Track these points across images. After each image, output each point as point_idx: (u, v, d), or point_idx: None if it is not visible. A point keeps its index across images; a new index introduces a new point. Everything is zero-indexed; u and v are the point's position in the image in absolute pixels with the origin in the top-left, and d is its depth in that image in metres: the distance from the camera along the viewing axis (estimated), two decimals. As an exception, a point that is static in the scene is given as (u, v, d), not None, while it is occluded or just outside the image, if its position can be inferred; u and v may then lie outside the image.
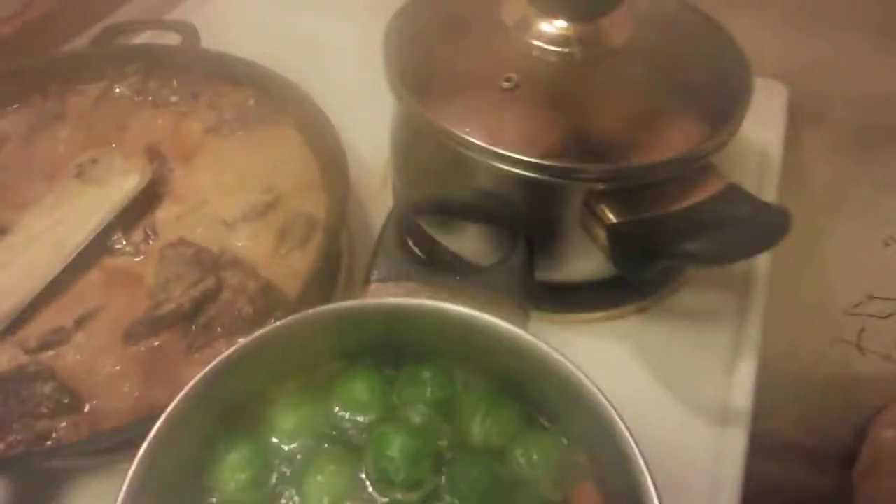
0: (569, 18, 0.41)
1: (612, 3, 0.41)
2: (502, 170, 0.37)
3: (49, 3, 0.60)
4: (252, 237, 0.44)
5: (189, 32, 0.57)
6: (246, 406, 0.31)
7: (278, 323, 0.30)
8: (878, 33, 0.58)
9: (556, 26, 0.41)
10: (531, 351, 0.30)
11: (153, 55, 0.55)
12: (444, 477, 0.30)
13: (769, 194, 0.56)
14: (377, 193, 0.52)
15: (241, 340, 0.30)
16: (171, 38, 0.58)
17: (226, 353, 0.30)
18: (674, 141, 0.39)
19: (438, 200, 0.36)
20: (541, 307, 0.44)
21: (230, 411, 0.30)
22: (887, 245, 0.71)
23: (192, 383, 0.27)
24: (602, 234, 0.36)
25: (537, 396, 0.30)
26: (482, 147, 0.37)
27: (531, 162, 0.36)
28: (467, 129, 0.37)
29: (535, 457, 0.30)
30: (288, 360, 0.33)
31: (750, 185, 0.55)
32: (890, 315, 0.77)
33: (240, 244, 0.43)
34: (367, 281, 0.34)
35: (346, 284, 0.45)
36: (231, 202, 0.45)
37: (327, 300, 0.42)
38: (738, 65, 0.44)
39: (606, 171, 0.37)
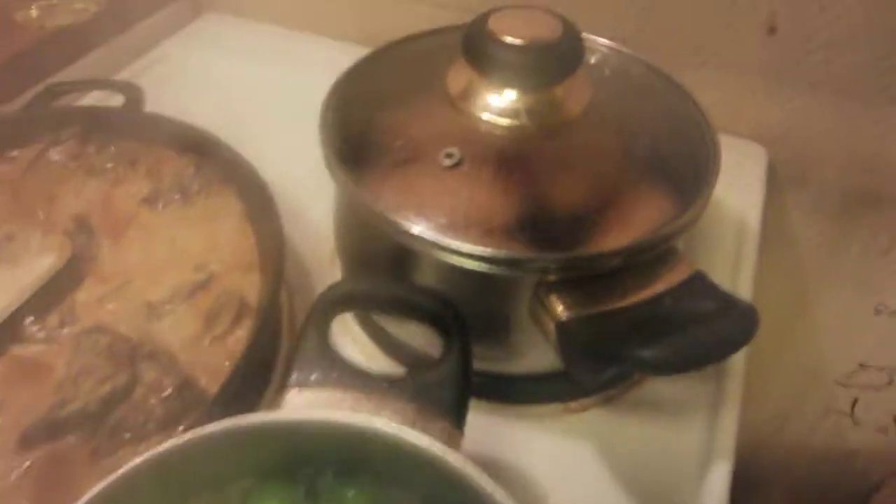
0: (519, 88, 0.38)
1: (567, 70, 0.38)
2: (441, 259, 0.33)
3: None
4: (177, 322, 0.40)
5: (133, 93, 0.54)
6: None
7: (181, 439, 0.27)
8: (858, 95, 0.56)
9: (505, 97, 0.38)
10: (460, 476, 0.26)
11: (92, 118, 0.52)
12: None
13: (748, 260, 0.53)
14: (325, 274, 0.49)
15: (135, 460, 0.26)
16: (115, 100, 0.55)
17: (117, 473, 0.26)
18: (635, 221, 0.36)
19: (367, 294, 0.33)
20: (490, 398, 0.40)
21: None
22: (878, 313, 0.68)
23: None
24: (551, 329, 0.33)
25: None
26: (416, 235, 0.33)
27: (472, 253, 0.33)
28: (402, 213, 0.34)
29: None
30: (193, 476, 0.29)
31: (728, 251, 0.53)
32: (883, 386, 0.73)
33: (163, 330, 0.39)
34: (284, 386, 0.30)
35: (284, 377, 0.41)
36: (158, 282, 0.42)
37: (256, 397, 0.39)
38: (705, 134, 0.41)
39: (557, 260, 0.33)
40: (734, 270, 0.52)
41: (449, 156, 0.36)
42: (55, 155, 0.51)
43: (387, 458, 0.28)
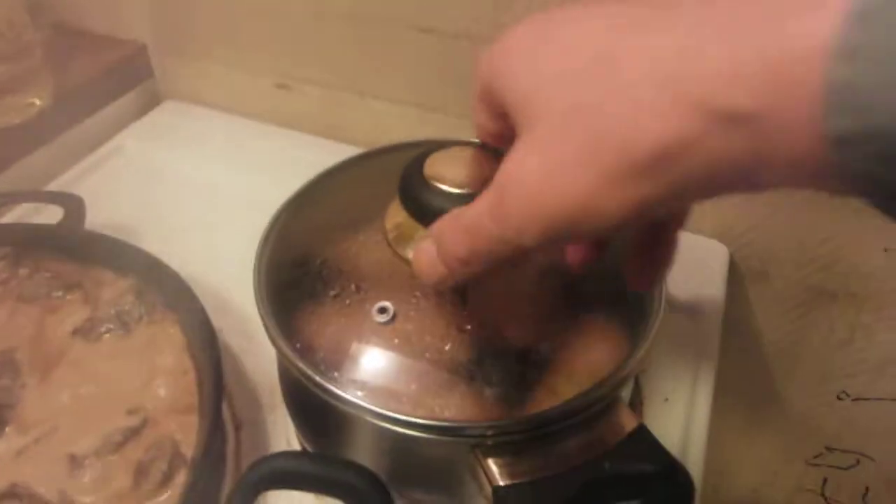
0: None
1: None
2: (371, 423, 0.32)
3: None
4: (102, 476, 0.38)
5: (74, 206, 0.52)
6: None
7: None
8: (813, 198, 0.55)
9: None
10: None
11: (26, 237, 0.50)
12: None
13: (711, 354, 0.53)
14: (276, 406, 0.47)
15: None
16: (53, 212, 0.52)
17: None
18: (578, 374, 0.35)
19: (291, 473, 0.31)
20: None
21: None
22: (840, 399, 0.68)
23: None
24: (489, 493, 0.31)
25: None
26: (346, 399, 0.32)
27: (404, 420, 0.31)
28: (332, 374, 0.32)
29: None
30: None
31: (690, 344, 0.52)
32: (850, 467, 0.73)
33: (85, 488, 0.37)
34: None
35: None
36: (87, 429, 0.40)
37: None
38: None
39: (492, 427, 0.31)
40: (696, 363, 0.52)
41: (382, 311, 0.35)
42: (-14, 278, 0.48)
43: None
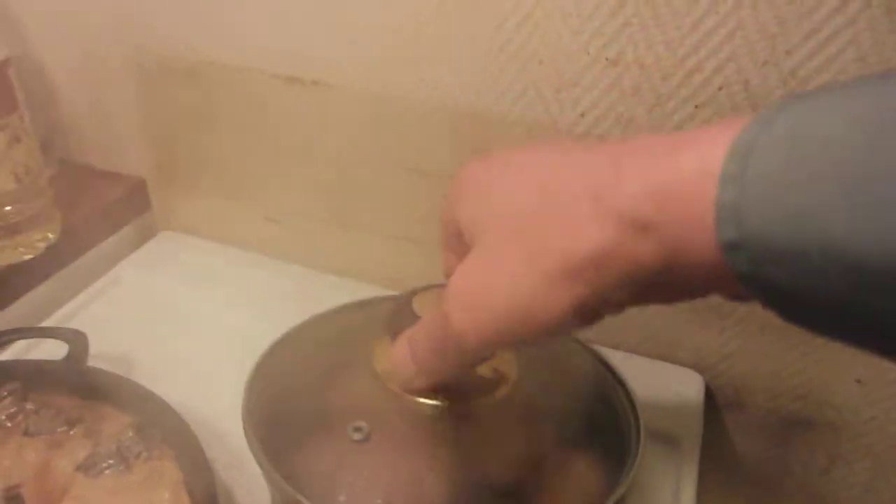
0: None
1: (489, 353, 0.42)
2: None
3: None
4: None
5: (78, 343, 0.57)
6: None
7: None
8: (784, 329, 0.61)
9: None
10: None
11: (33, 373, 0.55)
12: None
13: (690, 480, 0.57)
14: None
15: None
16: (57, 345, 0.58)
17: None
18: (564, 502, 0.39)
19: None
20: None
21: None
22: (826, 529, 0.71)
23: None
24: None
25: None
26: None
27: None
28: (315, 493, 0.37)
29: None
30: None
31: (670, 474, 0.56)
32: None
33: None
34: None
35: None
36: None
37: None
38: (629, 409, 0.45)
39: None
40: (676, 489, 0.56)
41: (358, 430, 0.40)
42: (-7, 414, 0.53)
43: None
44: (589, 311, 0.30)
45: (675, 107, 0.54)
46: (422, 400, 0.42)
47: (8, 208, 0.64)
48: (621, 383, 0.46)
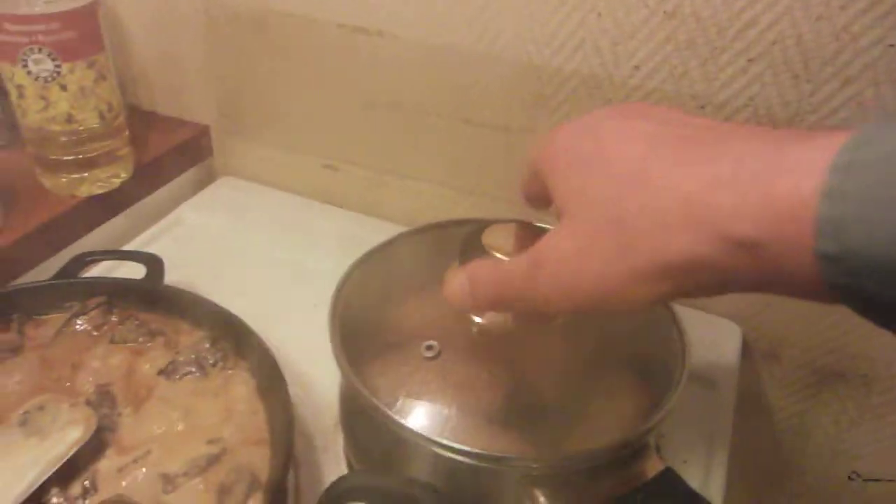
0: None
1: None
2: (431, 450, 0.40)
3: (17, 234, 0.66)
4: (190, 495, 0.45)
5: (155, 265, 0.62)
6: None
7: None
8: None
9: None
10: None
11: (116, 289, 0.59)
12: None
13: (725, 424, 0.60)
14: (329, 448, 0.55)
15: None
16: (133, 269, 0.62)
17: None
18: (608, 420, 0.43)
19: (368, 488, 0.39)
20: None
21: None
22: (852, 479, 0.74)
23: None
24: None
25: None
26: (406, 427, 0.40)
27: (452, 447, 0.39)
28: (394, 404, 0.41)
29: None
30: None
31: (705, 421, 0.60)
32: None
33: (177, 502, 0.45)
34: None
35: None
36: (175, 454, 0.48)
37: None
38: (676, 337, 0.48)
39: (537, 460, 0.40)
40: (712, 431, 0.59)
41: (429, 348, 0.44)
42: (81, 323, 0.58)
43: None
44: (669, 299, 0.32)
45: (728, 60, 0.57)
46: (487, 322, 0.46)
47: (91, 144, 0.69)
48: (673, 317, 0.49)
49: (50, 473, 0.45)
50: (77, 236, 0.71)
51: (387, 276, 0.51)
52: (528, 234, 0.46)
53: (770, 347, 0.70)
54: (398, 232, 0.75)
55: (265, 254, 0.74)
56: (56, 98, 0.64)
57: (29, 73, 0.62)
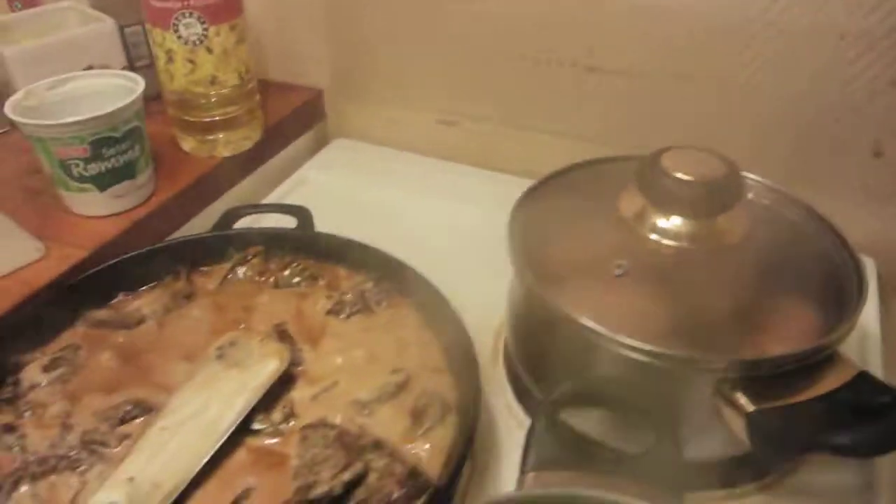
0: (685, 216, 0.47)
1: (728, 203, 0.47)
2: (623, 356, 0.42)
3: (168, 194, 0.69)
4: (387, 418, 0.48)
5: (304, 216, 0.64)
6: None
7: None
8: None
9: (672, 222, 0.47)
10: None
11: (273, 238, 0.62)
12: None
13: (875, 368, 0.59)
14: (488, 370, 0.57)
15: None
16: (279, 221, 0.65)
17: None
18: (787, 332, 0.44)
19: (587, 393, 0.41)
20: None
21: None
22: None
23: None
24: (739, 422, 0.40)
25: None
26: (606, 335, 0.42)
27: (654, 351, 0.41)
28: (585, 314, 0.43)
29: None
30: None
31: (852, 349, 0.60)
32: None
33: (376, 425, 0.48)
34: (522, 472, 0.38)
35: (472, 469, 0.49)
36: (362, 383, 0.50)
37: (464, 487, 0.46)
38: (847, 260, 0.49)
39: (742, 362, 0.41)
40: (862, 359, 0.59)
41: (619, 267, 0.46)
42: (242, 272, 0.61)
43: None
44: None
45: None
46: (667, 242, 0.47)
47: (230, 105, 0.72)
48: (845, 242, 0.50)
49: (256, 401, 0.48)
50: (217, 196, 0.74)
51: (559, 204, 0.53)
52: (707, 158, 0.47)
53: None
54: (515, 184, 0.77)
55: (390, 206, 0.76)
56: (202, 61, 0.67)
57: (179, 37, 0.65)
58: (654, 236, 0.48)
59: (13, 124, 0.62)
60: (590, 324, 0.43)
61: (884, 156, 0.64)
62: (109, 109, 0.60)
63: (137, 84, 0.64)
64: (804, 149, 0.67)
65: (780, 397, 0.40)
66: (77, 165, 0.62)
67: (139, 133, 0.64)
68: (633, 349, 0.42)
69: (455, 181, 0.81)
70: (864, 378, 0.41)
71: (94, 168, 0.62)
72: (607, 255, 0.47)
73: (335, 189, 0.80)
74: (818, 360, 0.42)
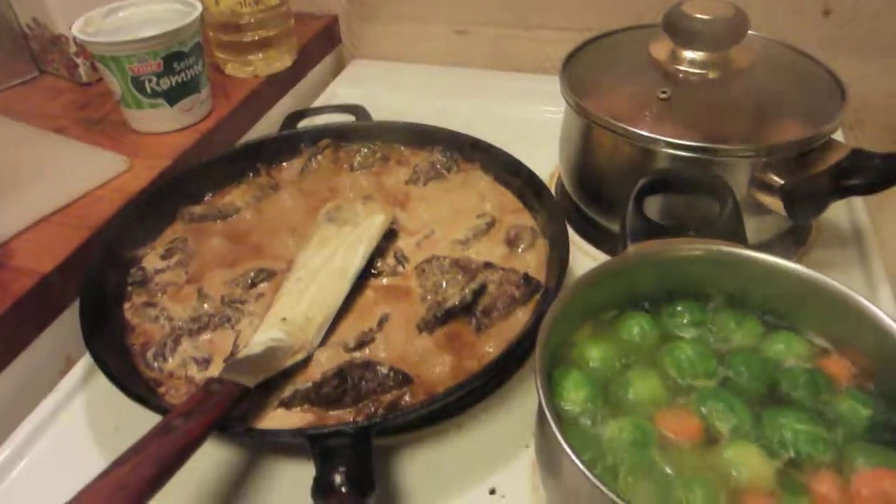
0: (706, 49, 0.57)
1: (738, 36, 0.57)
2: (678, 155, 0.52)
3: (226, 109, 0.75)
4: (486, 249, 0.56)
5: (360, 112, 0.71)
6: (560, 351, 0.42)
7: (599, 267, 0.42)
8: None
9: (696, 56, 0.57)
10: (799, 276, 0.41)
11: (339, 130, 0.69)
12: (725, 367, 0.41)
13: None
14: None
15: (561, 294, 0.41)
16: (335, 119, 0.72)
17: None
18: (796, 129, 0.53)
19: (668, 179, 0.49)
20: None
21: (554, 353, 0.41)
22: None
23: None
24: (774, 196, 0.51)
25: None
26: (654, 138, 0.52)
27: (706, 147, 0.51)
28: (645, 129, 0.53)
29: (779, 346, 0.41)
30: (585, 309, 0.44)
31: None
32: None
33: (479, 253, 0.55)
34: (623, 245, 0.46)
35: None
36: (455, 228, 0.58)
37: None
38: (831, 81, 0.58)
39: (768, 147, 0.51)
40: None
41: (664, 92, 0.55)
42: (317, 162, 0.68)
43: (729, 278, 0.43)
44: None
45: None
46: (693, 72, 0.57)
47: (269, 26, 0.78)
48: (829, 70, 0.59)
49: (374, 246, 0.55)
50: (264, 111, 0.80)
51: (598, 58, 0.62)
52: (716, 2, 0.56)
53: (857, 120, 0.80)
54: (527, 81, 0.86)
55: (420, 111, 0.81)
56: (246, -19, 0.73)
57: (224, -43, 0.71)
58: (682, 68, 0.58)
59: (42, 70, 0.65)
60: (650, 134, 0.52)
61: (831, 13, 0.74)
62: (179, 25, 0.66)
63: (195, 6, 0.70)
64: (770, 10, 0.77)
65: (800, 173, 0.51)
66: (150, 80, 0.67)
67: (201, 49, 0.70)
68: (687, 149, 0.51)
69: (475, 83, 0.88)
70: (857, 152, 0.52)
71: (165, 82, 0.68)
72: (649, 87, 0.56)
73: (365, 101, 0.87)
74: (821, 145, 0.52)
